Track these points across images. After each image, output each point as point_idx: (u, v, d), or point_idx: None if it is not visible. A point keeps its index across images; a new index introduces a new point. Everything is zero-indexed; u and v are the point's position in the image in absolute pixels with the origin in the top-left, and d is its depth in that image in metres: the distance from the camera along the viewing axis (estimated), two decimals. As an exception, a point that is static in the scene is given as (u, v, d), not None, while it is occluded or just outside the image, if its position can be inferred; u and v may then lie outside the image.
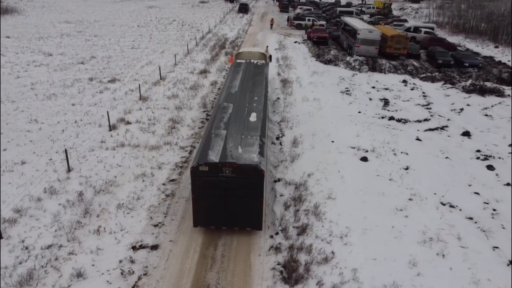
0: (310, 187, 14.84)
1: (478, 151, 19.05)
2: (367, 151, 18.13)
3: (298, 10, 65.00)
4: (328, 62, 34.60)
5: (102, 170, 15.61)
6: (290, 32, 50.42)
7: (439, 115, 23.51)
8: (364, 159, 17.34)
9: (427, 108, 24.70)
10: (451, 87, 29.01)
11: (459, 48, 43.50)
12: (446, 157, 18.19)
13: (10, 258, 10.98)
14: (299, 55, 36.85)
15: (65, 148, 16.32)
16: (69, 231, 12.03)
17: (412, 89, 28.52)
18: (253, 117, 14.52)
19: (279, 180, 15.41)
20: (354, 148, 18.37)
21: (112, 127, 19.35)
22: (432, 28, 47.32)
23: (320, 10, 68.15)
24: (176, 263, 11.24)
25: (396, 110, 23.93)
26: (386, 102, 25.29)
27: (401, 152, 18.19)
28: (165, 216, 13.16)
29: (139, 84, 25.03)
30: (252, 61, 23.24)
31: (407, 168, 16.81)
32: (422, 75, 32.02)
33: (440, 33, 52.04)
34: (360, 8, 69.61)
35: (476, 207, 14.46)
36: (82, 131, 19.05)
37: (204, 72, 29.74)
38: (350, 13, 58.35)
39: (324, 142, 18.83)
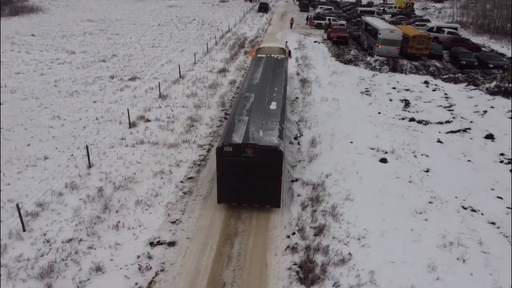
0: (328, 188, 14.74)
1: (502, 154, 18.57)
2: (386, 152, 17.89)
3: (318, 10, 64.55)
4: (348, 62, 34.25)
5: (122, 166, 15.86)
6: (310, 31, 50.12)
7: (462, 117, 22.99)
8: (384, 160, 17.11)
9: (449, 110, 24.17)
10: (475, 89, 28.32)
11: (484, 49, 42.42)
12: (468, 160, 17.79)
13: (32, 251, 11.28)
14: (318, 55, 36.60)
15: (86, 144, 16.66)
16: (89, 226, 12.28)
17: (434, 90, 27.96)
18: (273, 105, 15.49)
19: (296, 180, 15.35)
20: (373, 149, 18.16)
21: (132, 125, 19.62)
22: (456, 28, 46.29)
23: (340, 10, 67.48)
24: (192, 260, 11.33)
25: (417, 112, 23.51)
26: (406, 103, 24.88)
27: (422, 154, 17.88)
28: (182, 214, 13.28)
29: (159, 82, 25.32)
30: (272, 55, 24.30)
31: (427, 171, 16.51)
32: (444, 76, 31.36)
33: (464, 33, 50.90)
34: (381, 8, 68.70)
35: (498, 211, 14.11)
36: (103, 128, 19.38)
37: (223, 71, 29.86)
38: (371, 13, 57.61)
39: (342, 142, 18.67)
